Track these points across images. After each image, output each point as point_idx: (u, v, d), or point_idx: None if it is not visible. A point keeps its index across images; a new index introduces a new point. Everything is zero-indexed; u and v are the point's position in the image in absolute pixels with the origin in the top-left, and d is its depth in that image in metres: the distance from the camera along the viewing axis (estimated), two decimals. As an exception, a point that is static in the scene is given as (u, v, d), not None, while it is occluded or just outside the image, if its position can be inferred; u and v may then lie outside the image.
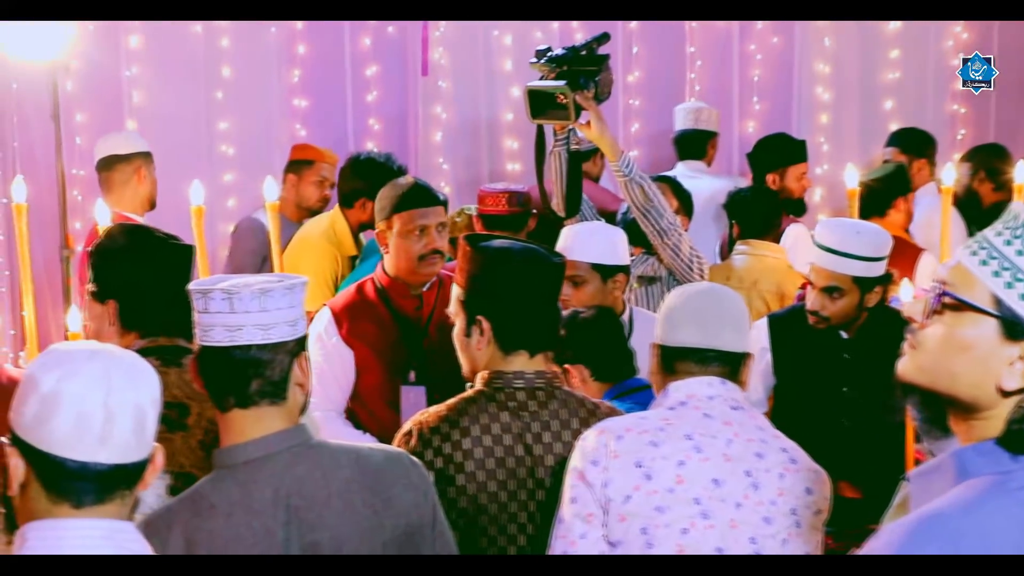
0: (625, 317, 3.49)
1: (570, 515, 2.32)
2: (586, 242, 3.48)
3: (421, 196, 3.47)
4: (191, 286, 2.13)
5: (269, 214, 3.25)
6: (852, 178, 3.61)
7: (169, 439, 2.34)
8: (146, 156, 4.66)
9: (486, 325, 2.50)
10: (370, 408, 3.47)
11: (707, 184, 5.27)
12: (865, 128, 6.49)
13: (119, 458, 1.72)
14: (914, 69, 6.52)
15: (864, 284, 3.38)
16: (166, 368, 2.43)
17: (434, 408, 2.55)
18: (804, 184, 5.19)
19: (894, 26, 6.46)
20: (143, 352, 2.38)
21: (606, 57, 3.77)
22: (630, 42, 6.36)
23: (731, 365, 2.43)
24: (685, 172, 5.47)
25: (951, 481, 1.52)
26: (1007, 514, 1.46)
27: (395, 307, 3.51)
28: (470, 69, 6.19)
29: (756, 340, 3.57)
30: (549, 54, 3.72)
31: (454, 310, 2.59)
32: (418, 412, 2.58)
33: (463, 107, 6.22)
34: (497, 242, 2.60)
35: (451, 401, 2.54)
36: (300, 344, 2.15)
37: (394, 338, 3.50)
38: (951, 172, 3.76)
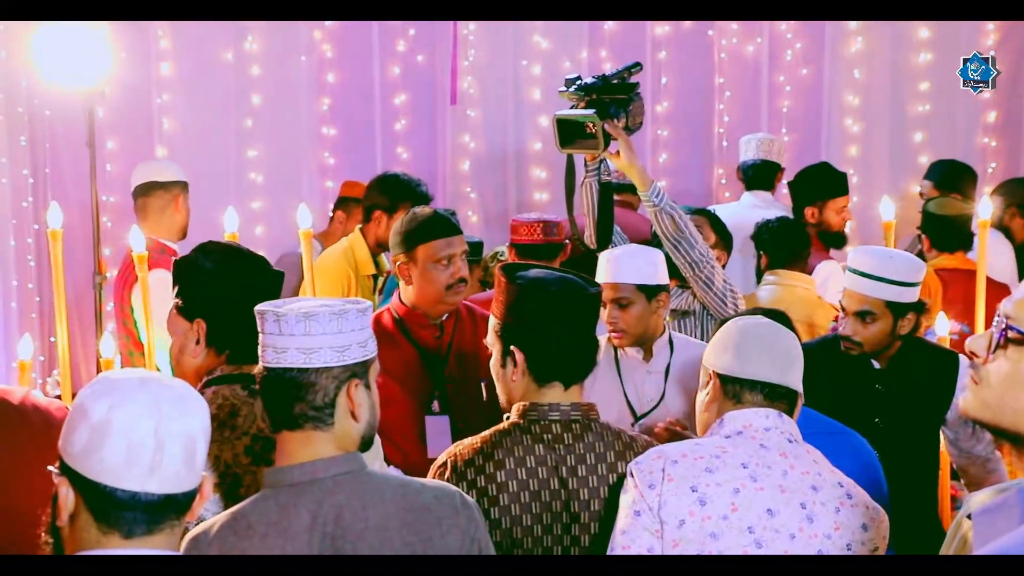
0: (664, 339, 3.48)
1: (632, 527, 2.32)
2: (629, 264, 3.46)
3: (445, 226, 3.45)
4: (258, 306, 2.14)
5: (303, 241, 3.24)
6: (888, 210, 3.58)
7: (253, 471, 2.35)
8: (184, 185, 4.69)
9: (519, 356, 2.49)
10: (395, 441, 3.41)
11: (776, 215, 5.24)
12: (895, 160, 6.46)
13: (169, 488, 1.71)
14: (945, 102, 6.48)
15: (897, 310, 3.34)
16: (252, 398, 2.45)
17: (469, 440, 2.52)
18: (845, 217, 5.14)
19: (924, 58, 6.44)
20: (227, 379, 2.42)
21: (636, 85, 3.74)
22: (659, 72, 6.36)
23: (791, 402, 2.47)
24: (754, 203, 5.43)
25: (1018, 519, 1.49)
26: None
27: (415, 338, 3.49)
28: (499, 98, 6.20)
29: None
30: (578, 82, 3.68)
31: (490, 340, 2.58)
32: (452, 444, 2.57)
33: (491, 136, 6.23)
34: (533, 272, 2.59)
35: (485, 433, 2.51)
36: (351, 371, 2.12)
37: (416, 369, 3.48)
38: (988, 205, 3.72)
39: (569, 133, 3.59)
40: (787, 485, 2.33)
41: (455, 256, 3.43)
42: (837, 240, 5.13)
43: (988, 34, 6.49)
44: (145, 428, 1.68)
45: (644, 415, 3.41)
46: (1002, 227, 5.29)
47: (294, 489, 2.06)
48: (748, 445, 2.38)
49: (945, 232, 4.49)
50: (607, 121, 3.54)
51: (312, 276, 3.26)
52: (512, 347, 2.51)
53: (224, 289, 2.54)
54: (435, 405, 3.47)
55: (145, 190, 4.65)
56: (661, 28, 6.30)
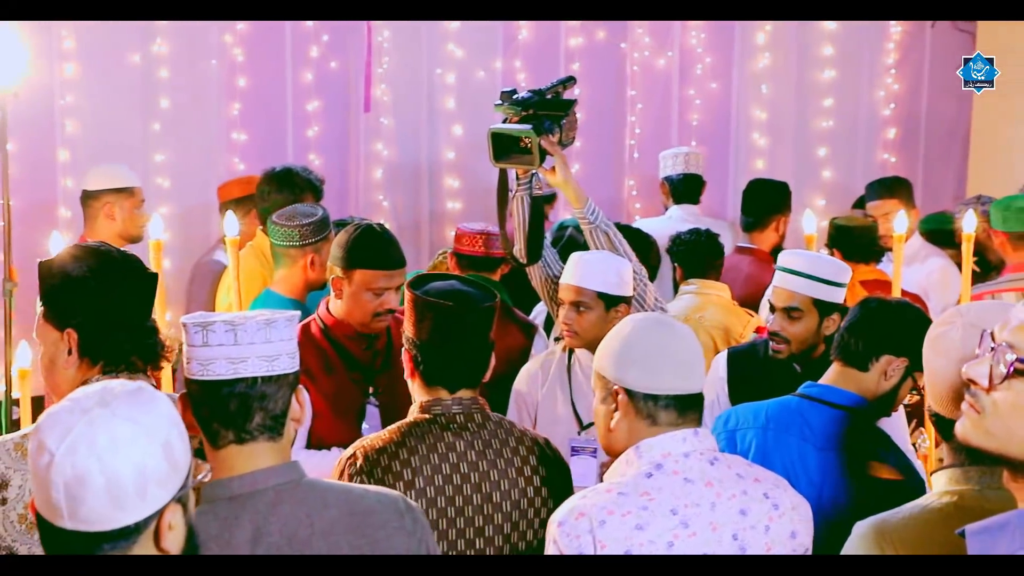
0: None
1: None
2: (595, 270, 3.49)
3: (391, 257, 3.39)
4: (187, 319, 2.07)
5: (230, 250, 3.16)
6: (810, 224, 3.66)
7: None
8: (119, 192, 4.53)
9: (409, 361, 2.66)
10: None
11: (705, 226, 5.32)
12: (799, 174, 6.60)
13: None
14: (847, 118, 6.67)
15: (822, 308, 3.43)
16: None
17: (374, 435, 2.62)
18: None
19: (828, 75, 6.61)
20: None
21: (573, 102, 3.74)
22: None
23: (700, 406, 2.37)
24: (682, 216, 5.50)
25: (1018, 542, 1.50)
26: None
27: (343, 348, 3.44)
28: (412, 106, 6.16)
29: (713, 371, 3.61)
30: (515, 96, 3.67)
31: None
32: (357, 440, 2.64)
33: (404, 144, 6.18)
34: (436, 284, 2.70)
35: (391, 427, 2.62)
36: (297, 377, 2.11)
37: (344, 380, 3.43)
38: (903, 220, 3.84)
39: (504, 147, 3.57)
40: (717, 520, 2.26)
41: (391, 289, 3.38)
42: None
43: (889, 52, 6.70)
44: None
45: (591, 424, 3.41)
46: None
47: (234, 502, 2.02)
48: (671, 484, 2.25)
49: (855, 245, 4.60)
50: (543, 137, 3.54)
51: (240, 285, 3.18)
52: (406, 350, 2.66)
53: (96, 295, 2.34)
54: (364, 427, 3.41)
55: (82, 199, 4.52)
56: (575, 39, 6.35)
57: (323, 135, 6.07)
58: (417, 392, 2.67)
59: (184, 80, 5.75)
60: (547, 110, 3.62)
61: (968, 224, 3.74)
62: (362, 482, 2.46)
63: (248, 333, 2.01)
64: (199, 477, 1.76)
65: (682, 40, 6.47)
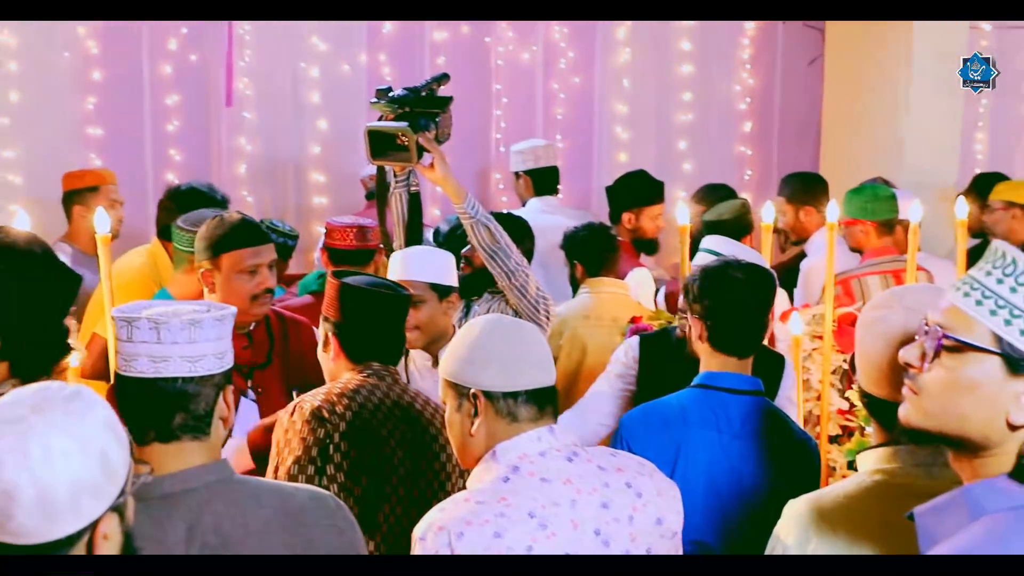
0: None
1: None
2: (422, 263, 3.48)
3: (253, 234, 3.35)
4: (116, 312, 2.00)
5: (101, 248, 3.04)
6: (683, 215, 3.72)
7: None
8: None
9: (335, 342, 2.89)
10: None
11: (564, 220, 5.33)
12: (660, 167, 6.71)
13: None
14: (705, 112, 6.84)
15: None
16: None
17: (314, 391, 2.83)
18: (659, 224, 5.28)
19: (687, 70, 6.76)
20: None
21: (449, 99, 3.75)
22: (437, 77, 6.38)
23: (555, 400, 2.34)
24: (542, 208, 5.50)
25: (965, 518, 1.54)
26: None
27: None
28: (276, 100, 6.06)
29: (625, 354, 3.59)
30: (391, 94, 3.66)
31: (321, 330, 2.96)
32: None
33: (268, 139, 6.08)
34: (359, 278, 2.99)
35: (332, 384, 2.86)
36: (227, 377, 2.07)
37: None
38: (770, 209, 3.93)
39: (381, 145, 3.56)
40: (578, 518, 2.21)
41: (262, 266, 3.32)
42: (649, 247, 5.28)
43: (744, 48, 6.89)
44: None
45: None
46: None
47: (166, 500, 1.97)
48: (529, 485, 2.21)
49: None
50: (420, 133, 3.53)
51: (111, 285, 3.06)
52: (329, 334, 2.89)
53: (8, 292, 2.23)
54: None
55: None
56: (439, 33, 6.34)
57: (183, 130, 5.92)
58: (343, 369, 2.89)
59: (34, 73, 5.53)
60: (423, 107, 3.62)
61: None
62: (326, 432, 2.65)
63: (172, 332, 1.96)
64: (139, 481, 1.69)
65: (545, 34, 6.53)
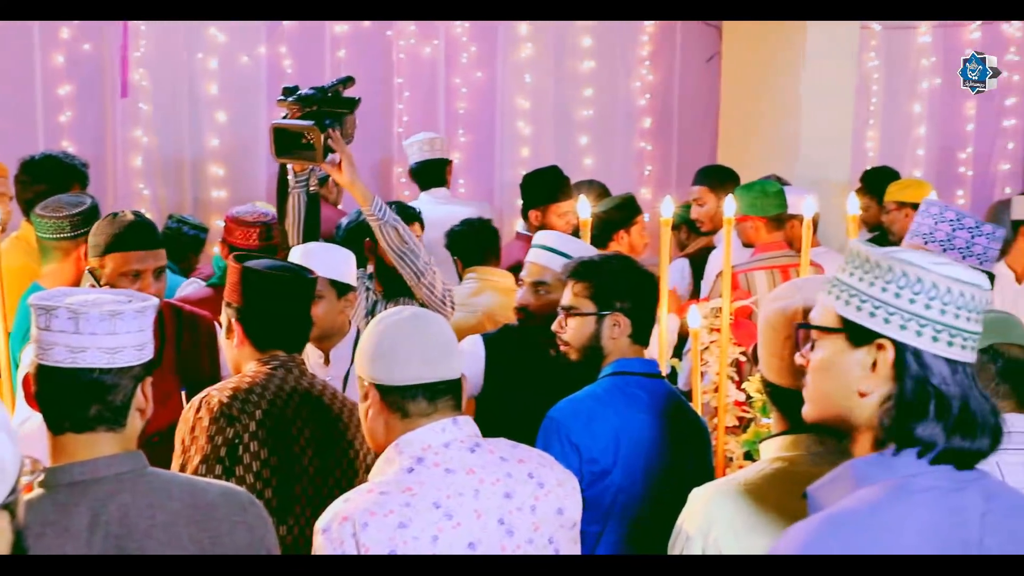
0: (348, 342, 3.49)
1: None
2: (322, 259, 3.45)
3: (141, 237, 3.28)
4: (33, 299, 1.97)
5: (-7, 242, 2.97)
6: (584, 209, 3.76)
7: None
8: None
9: (238, 328, 2.84)
10: None
11: (458, 211, 5.35)
12: (562, 162, 6.74)
13: None
14: (606, 108, 6.90)
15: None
16: None
17: (221, 383, 2.79)
18: (569, 220, 5.29)
19: (588, 65, 6.82)
20: None
21: (357, 101, 3.74)
22: (339, 71, 6.33)
23: (456, 393, 2.35)
24: (434, 200, 5.54)
25: (851, 489, 1.64)
26: (911, 514, 1.59)
27: None
28: (173, 92, 5.96)
29: (470, 355, 3.59)
30: (298, 92, 3.63)
31: (225, 315, 2.90)
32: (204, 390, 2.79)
33: (165, 131, 5.97)
34: (262, 261, 2.96)
35: (241, 376, 2.80)
36: (146, 368, 2.04)
37: None
38: (669, 205, 3.99)
39: (286, 142, 3.54)
40: (481, 507, 2.24)
41: (146, 271, 3.26)
42: None
43: (643, 45, 6.97)
44: None
45: None
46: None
47: (73, 488, 1.95)
48: (433, 476, 2.23)
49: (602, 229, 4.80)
50: (328, 132, 3.52)
51: (2, 278, 2.99)
52: (232, 320, 2.84)
53: None
54: None
55: None
56: (340, 26, 6.29)
57: (77, 121, 5.79)
58: (247, 358, 2.83)
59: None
60: (330, 107, 3.60)
61: (728, 208, 3.93)
62: (235, 432, 2.62)
63: (90, 323, 1.93)
64: (30, 479, 1.65)
65: (447, 29, 6.53)
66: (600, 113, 6.90)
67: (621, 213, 4.96)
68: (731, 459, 3.44)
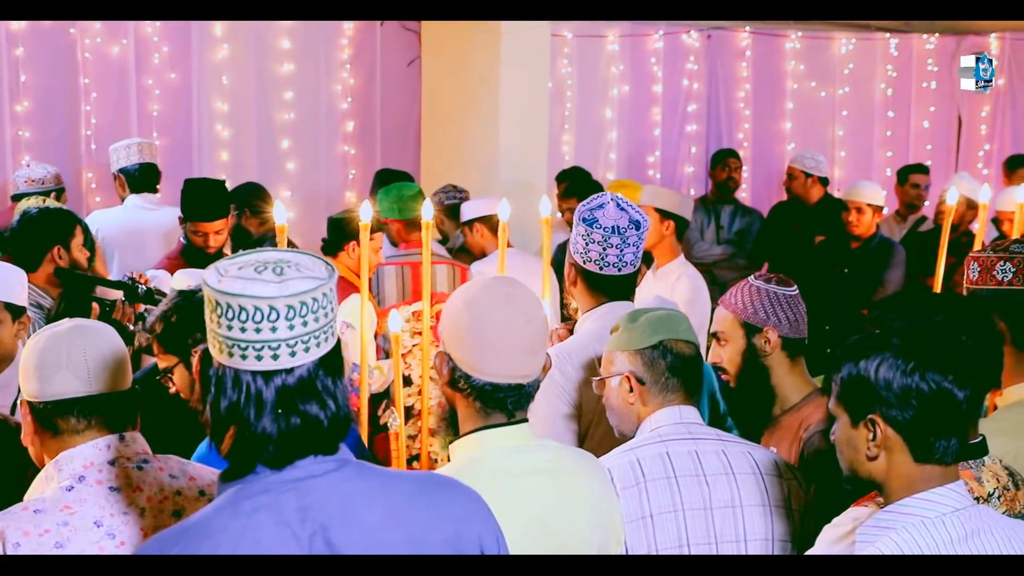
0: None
1: None
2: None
3: None
4: None
5: None
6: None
7: None
8: None
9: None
10: None
11: (170, 214, 5.20)
12: (264, 166, 6.66)
13: None
14: (308, 111, 6.81)
15: None
16: None
17: None
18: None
19: (288, 68, 6.70)
20: None
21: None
22: (17, 70, 5.95)
23: (119, 410, 2.25)
24: (142, 205, 5.46)
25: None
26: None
27: None
28: None
29: None
30: None
31: None
32: None
33: None
34: None
35: None
36: None
37: None
38: (368, 209, 3.98)
39: None
40: (149, 526, 2.20)
41: None
42: None
43: (343, 48, 6.92)
44: None
45: None
46: None
47: None
48: (96, 494, 2.17)
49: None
50: None
51: None
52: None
53: None
54: None
55: None
56: (18, 24, 5.90)
57: None
58: None
59: None
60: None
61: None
62: None
63: None
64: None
65: (137, 28, 6.25)
66: (302, 116, 6.80)
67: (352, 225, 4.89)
68: (436, 460, 3.47)
